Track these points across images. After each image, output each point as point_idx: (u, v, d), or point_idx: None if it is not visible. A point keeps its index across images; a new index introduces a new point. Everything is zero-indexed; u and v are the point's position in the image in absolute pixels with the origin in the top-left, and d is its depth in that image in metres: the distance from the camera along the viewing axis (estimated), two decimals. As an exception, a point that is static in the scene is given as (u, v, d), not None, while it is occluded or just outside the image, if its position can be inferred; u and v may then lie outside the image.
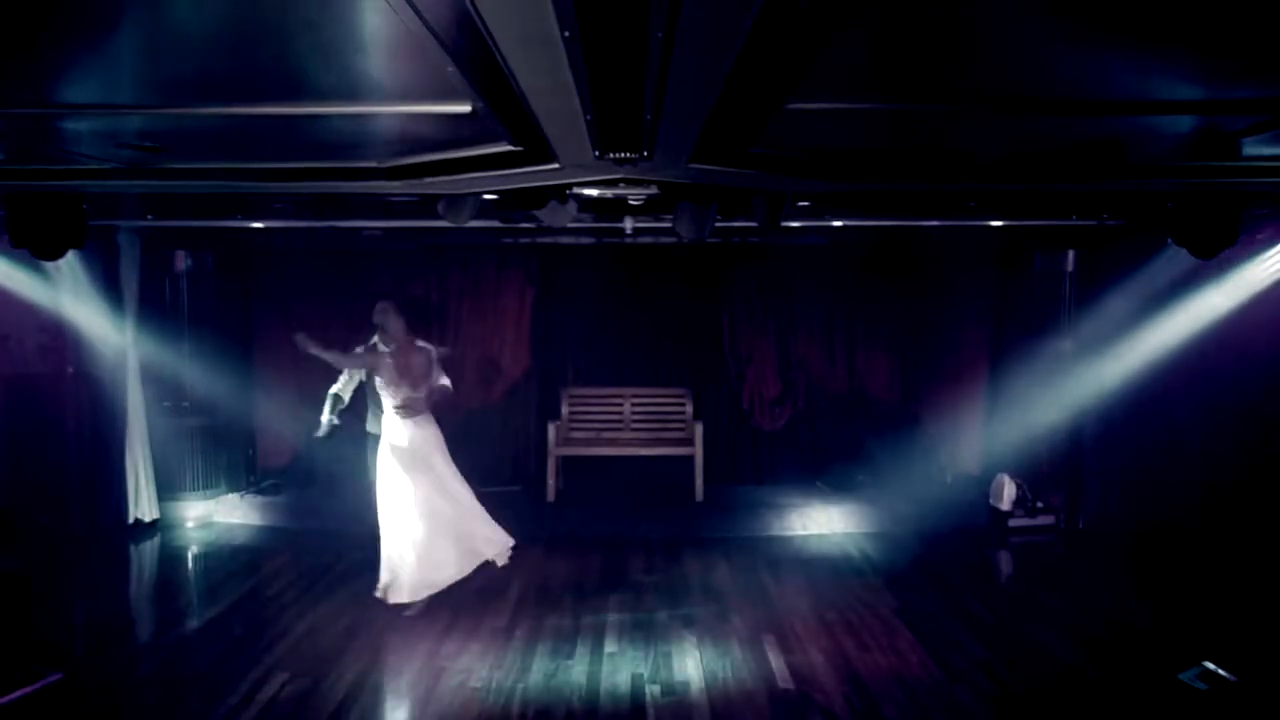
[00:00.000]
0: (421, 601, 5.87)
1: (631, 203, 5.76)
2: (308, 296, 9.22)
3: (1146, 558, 7.25)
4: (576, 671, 5.09)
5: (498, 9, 2.23)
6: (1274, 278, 6.34)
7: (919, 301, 9.31)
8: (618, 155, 3.92)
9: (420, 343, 6.07)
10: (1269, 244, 6.31)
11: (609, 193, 5.30)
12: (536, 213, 5.45)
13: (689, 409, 9.09)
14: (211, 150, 4.46)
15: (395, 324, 6.05)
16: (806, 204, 6.37)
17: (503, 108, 3.29)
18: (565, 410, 9.15)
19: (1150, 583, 6.70)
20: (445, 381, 6.15)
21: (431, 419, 6.01)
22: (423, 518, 5.82)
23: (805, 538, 8.01)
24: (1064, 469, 8.34)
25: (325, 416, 7.04)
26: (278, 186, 5.17)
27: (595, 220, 7.18)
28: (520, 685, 4.92)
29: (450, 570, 5.88)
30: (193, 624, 5.91)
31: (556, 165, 4.18)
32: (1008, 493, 8.18)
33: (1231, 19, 2.56)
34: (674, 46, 2.46)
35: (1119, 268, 7.49)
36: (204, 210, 6.81)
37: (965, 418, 9.40)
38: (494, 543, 6.01)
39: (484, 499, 6.08)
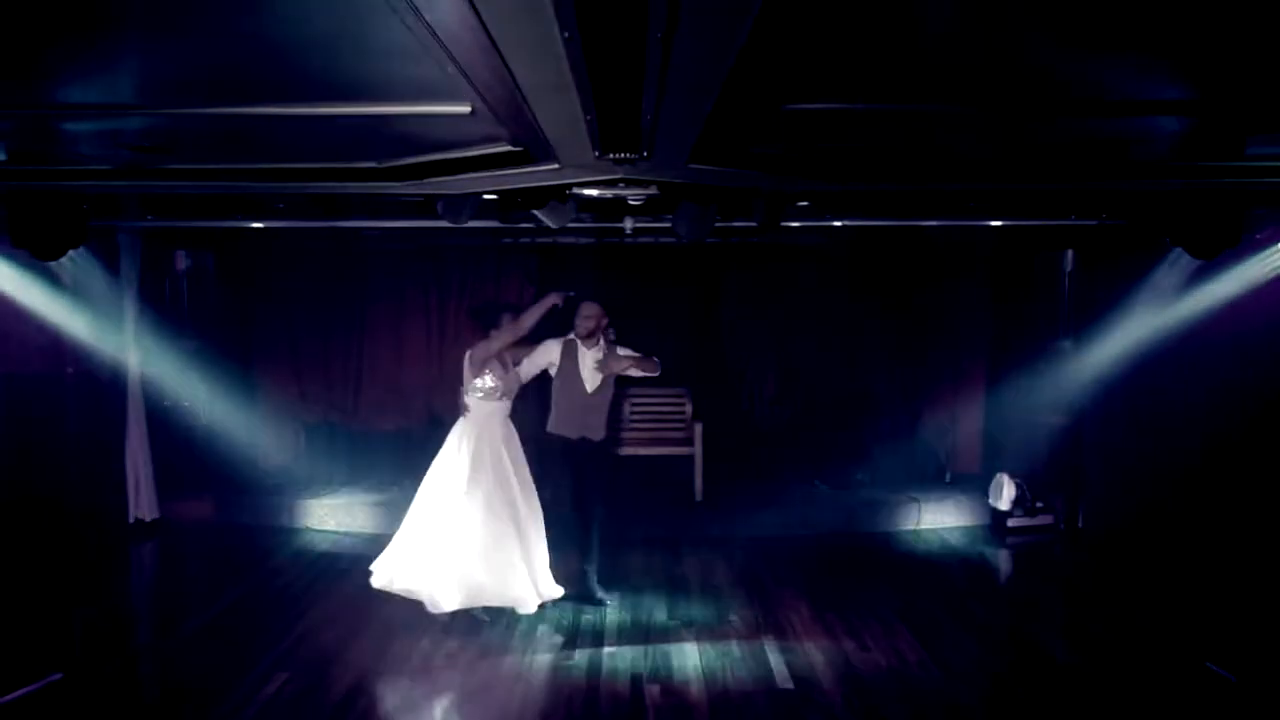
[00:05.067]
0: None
1: (631, 203, 5.76)
2: (307, 295, 9.22)
3: (1146, 557, 7.25)
4: (576, 671, 5.09)
5: (498, 9, 2.23)
6: (1273, 277, 6.34)
7: (918, 301, 9.31)
8: (617, 155, 3.92)
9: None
10: (1268, 244, 6.31)
11: (609, 193, 5.30)
12: (536, 213, 5.46)
13: (689, 409, 9.09)
14: (212, 151, 4.46)
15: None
16: (806, 204, 6.37)
17: (503, 108, 3.29)
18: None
19: (1150, 582, 6.70)
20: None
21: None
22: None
23: (805, 538, 8.01)
24: (1064, 469, 8.34)
25: None
26: (278, 187, 5.17)
27: (595, 220, 7.18)
28: (520, 685, 4.92)
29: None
30: (193, 624, 5.91)
31: (556, 165, 4.19)
32: (1007, 493, 8.18)
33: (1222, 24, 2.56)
34: (674, 47, 2.46)
35: (1118, 267, 7.49)
36: (204, 210, 6.81)
37: (965, 417, 9.41)
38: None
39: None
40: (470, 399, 5.86)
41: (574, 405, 6.15)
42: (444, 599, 5.53)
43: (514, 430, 6.00)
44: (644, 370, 6.28)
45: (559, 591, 5.94)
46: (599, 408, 6.17)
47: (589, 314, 6.13)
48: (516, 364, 6.08)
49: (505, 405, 5.96)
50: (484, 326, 6.03)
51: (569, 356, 6.15)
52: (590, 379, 6.13)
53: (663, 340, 9.43)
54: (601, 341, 6.21)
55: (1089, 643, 5.54)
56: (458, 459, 5.79)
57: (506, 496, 5.76)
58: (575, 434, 6.17)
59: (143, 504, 8.08)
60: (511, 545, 5.69)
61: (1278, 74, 3.06)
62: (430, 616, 5.87)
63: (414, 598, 5.64)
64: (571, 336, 6.19)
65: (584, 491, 6.19)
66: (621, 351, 6.28)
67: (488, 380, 5.85)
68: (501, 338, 5.83)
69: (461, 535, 5.60)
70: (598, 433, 6.19)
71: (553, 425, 6.23)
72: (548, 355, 6.18)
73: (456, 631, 5.66)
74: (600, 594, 6.19)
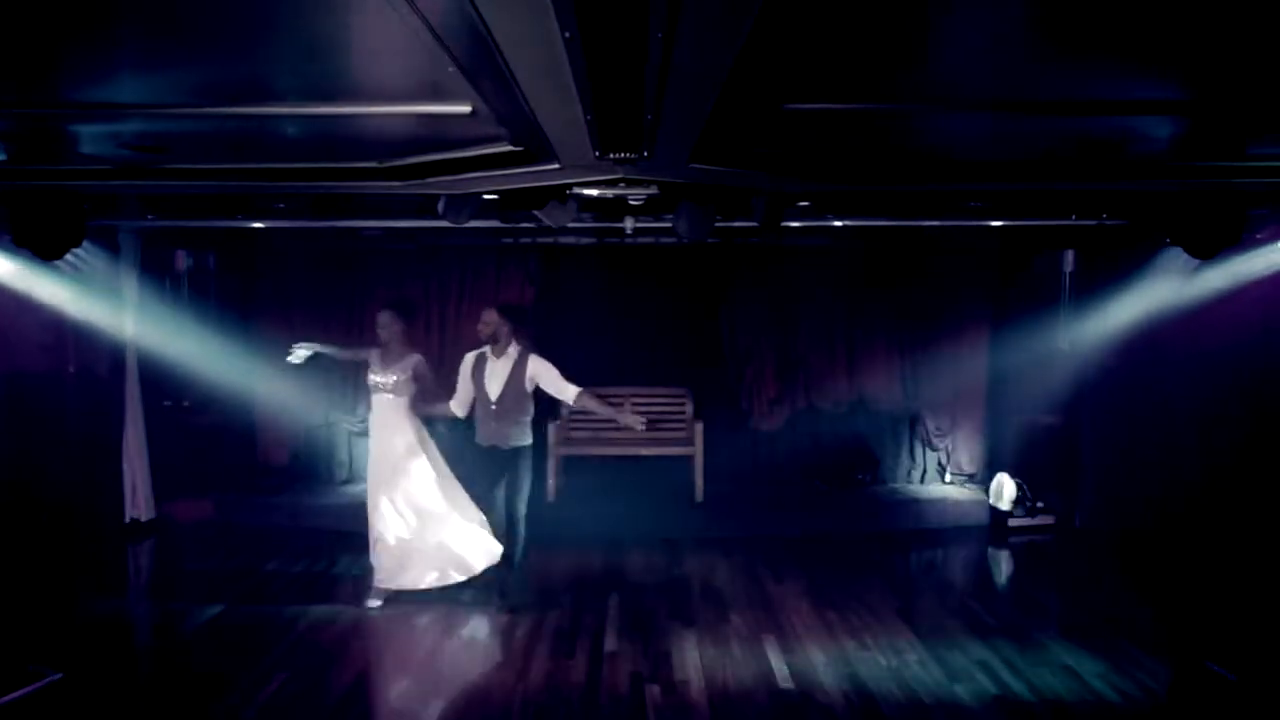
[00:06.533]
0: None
1: (632, 203, 5.76)
2: (308, 296, 9.22)
3: (1146, 557, 7.25)
4: (576, 671, 5.09)
5: (498, 9, 2.24)
6: (1270, 276, 6.35)
7: (918, 301, 9.31)
8: (618, 155, 3.92)
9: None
10: (1267, 244, 6.32)
11: (609, 193, 5.31)
12: (536, 213, 5.46)
13: (689, 409, 9.09)
14: (213, 151, 4.47)
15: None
16: (806, 204, 6.37)
17: (503, 108, 3.30)
18: (565, 410, 9.15)
19: (1150, 582, 6.71)
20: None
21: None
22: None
23: (805, 538, 8.01)
24: (1063, 468, 8.34)
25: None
26: (279, 186, 5.18)
27: (595, 220, 7.18)
28: (520, 685, 4.92)
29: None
30: (192, 624, 5.91)
31: (557, 165, 4.19)
32: (1008, 493, 8.18)
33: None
34: (674, 46, 2.46)
35: (1118, 268, 7.49)
36: (205, 210, 6.82)
37: (965, 418, 9.41)
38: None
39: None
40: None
41: (485, 414, 6.04)
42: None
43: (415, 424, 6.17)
44: (559, 392, 6.05)
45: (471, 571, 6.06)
46: (506, 415, 5.98)
47: (484, 319, 6.08)
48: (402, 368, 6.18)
49: (398, 400, 6.10)
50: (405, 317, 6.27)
51: (479, 366, 6.10)
52: (494, 388, 6.01)
53: (662, 340, 9.49)
54: (512, 348, 6.06)
55: (1089, 642, 5.53)
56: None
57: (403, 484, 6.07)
58: (487, 442, 6.06)
59: (139, 504, 8.07)
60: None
61: (1277, 75, 3.07)
62: (430, 617, 5.88)
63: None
64: (485, 349, 6.12)
65: (505, 498, 6.05)
66: (533, 363, 6.04)
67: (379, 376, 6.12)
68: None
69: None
70: (508, 441, 6.00)
71: (476, 433, 6.18)
72: (464, 369, 6.16)
73: (457, 632, 5.67)
74: (509, 602, 6.04)
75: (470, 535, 6.03)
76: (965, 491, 9.15)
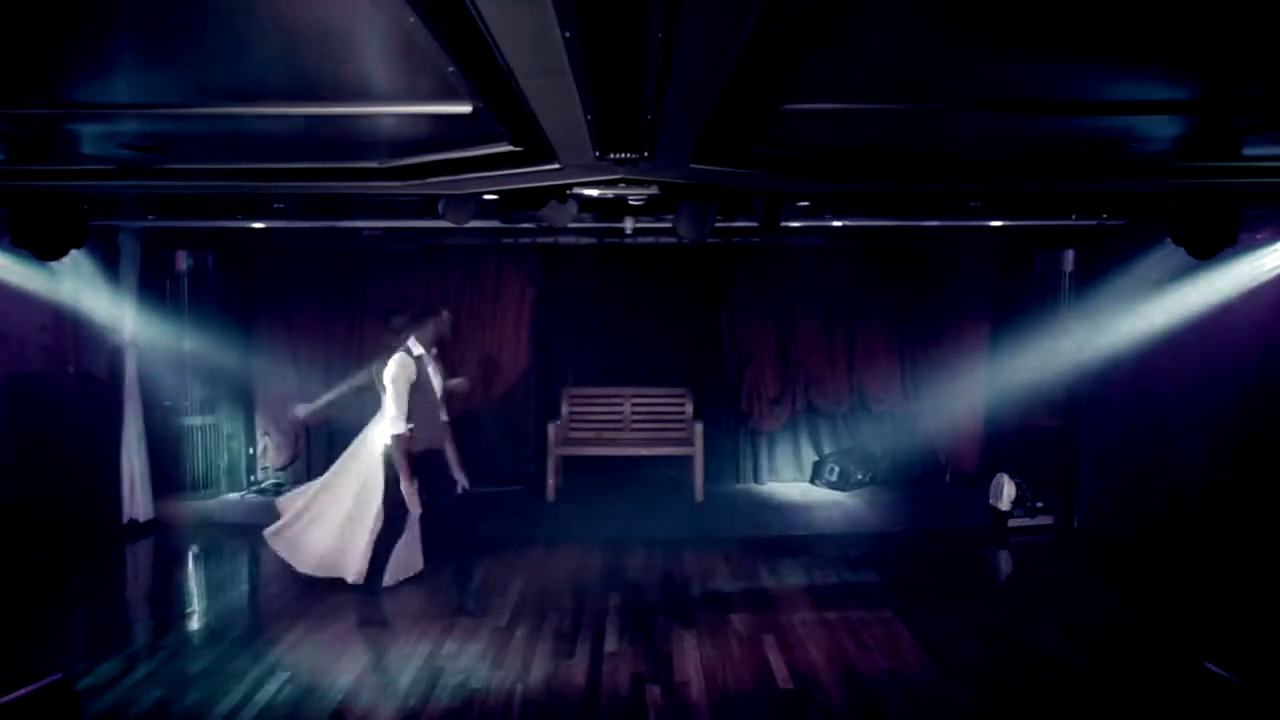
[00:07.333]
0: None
1: (632, 203, 5.76)
2: (308, 296, 9.23)
3: (1145, 557, 7.25)
4: (576, 671, 5.09)
5: (498, 9, 2.24)
6: (1271, 278, 6.35)
7: (918, 301, 9.32)
8: (618, 155, 3.93)
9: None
10: (1267, 244, 6.32)
11: (609, 193, 5.31)
12: (537, 213, 5.47)
13: (689, 409, 9.09)
14: (212, 151, 4.47)
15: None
16: (806, 204, 6.38)
17: (503, 108, 3.30)
18: (565, 410, 9.16)
19: (1149, 583, 6.71)
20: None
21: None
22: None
23: (805, 538, 8.01)
24: (1063, 469, 8.34)
25: None
26: (279, 187, 5.18)
27: (596, 220, 7.19)
28: (520, 685, 4.92)
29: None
30: (192, 624, 5.91)
31: (557, 165, 4.20)
32: (1007, 493, 8.19)
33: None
34: (674, 46, 2.46)
35: (1118, 267, 7.49)
36: (205, 211, 6.83)
37: (965, 418, 9.41)
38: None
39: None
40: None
41: (433, 415, 5.87)
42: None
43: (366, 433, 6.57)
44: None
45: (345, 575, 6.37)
46: (443, 415, 6.00)
47: (450, 321, 6.10)
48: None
49: None
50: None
51: (421, 368, 5.85)
52: (439, 388, 5.98)
53: (662, 340, 9.50)
54: (435, 352, 6.03)
55: (1089, 642, 5.54)
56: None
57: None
58: (435, 445, 5.92)
59: (137, 504, 8.07)
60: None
61: (1274, 75, 3.07)
62: (433, 616, 5.88)
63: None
64: (420, 352, 5.88)
65: (440, 501, 5.94)
66: (452, 379, 6.29)
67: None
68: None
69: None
70: (442, 441, 5.96)
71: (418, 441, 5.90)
72: (406, 374, 5.76)
73: (457, 632, 5.67)
74: (470, 604, 6.00)
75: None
76: (965, 492, 9.15)
